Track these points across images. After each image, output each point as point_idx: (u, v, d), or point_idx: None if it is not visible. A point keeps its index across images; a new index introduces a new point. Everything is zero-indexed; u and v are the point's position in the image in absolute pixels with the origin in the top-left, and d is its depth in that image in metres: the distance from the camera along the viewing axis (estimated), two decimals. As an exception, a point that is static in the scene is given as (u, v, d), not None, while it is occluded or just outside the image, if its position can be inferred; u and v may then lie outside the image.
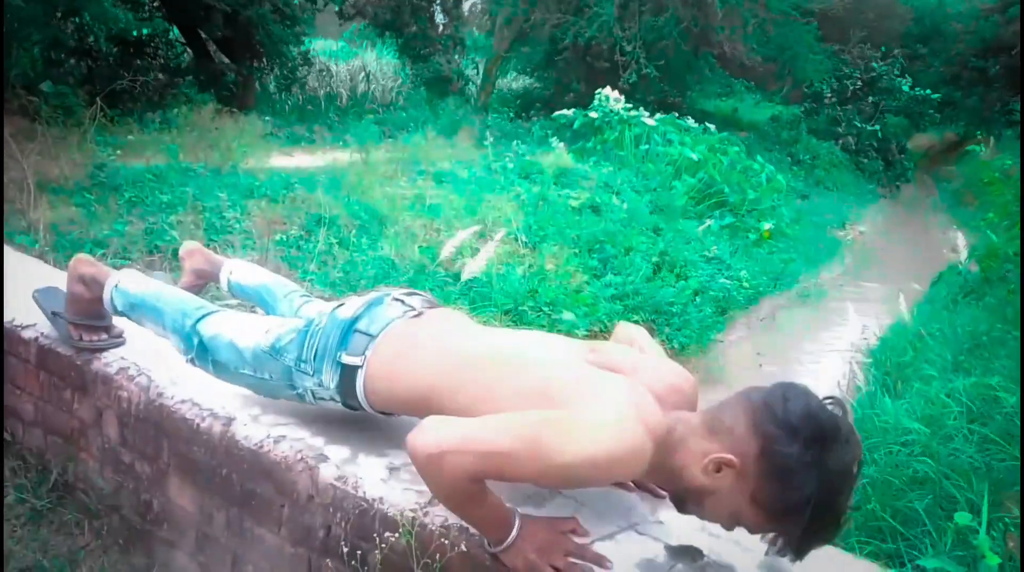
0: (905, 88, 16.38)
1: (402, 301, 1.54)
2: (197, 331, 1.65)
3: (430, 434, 1.18)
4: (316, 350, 1.48)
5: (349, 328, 1.48)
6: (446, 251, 5.34)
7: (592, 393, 1.22)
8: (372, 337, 1.46)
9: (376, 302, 1.53)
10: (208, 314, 1.68)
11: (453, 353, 1.40)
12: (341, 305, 1.56)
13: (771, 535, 1.20)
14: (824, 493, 1.10)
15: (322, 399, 1.52)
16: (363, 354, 1.44)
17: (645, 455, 1.18)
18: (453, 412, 1.30)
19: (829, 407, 1.14)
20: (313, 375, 1.49)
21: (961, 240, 6.79)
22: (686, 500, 1.25)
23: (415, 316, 1.51)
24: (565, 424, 1.16)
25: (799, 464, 1.10)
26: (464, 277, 5.29)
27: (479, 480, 1.18)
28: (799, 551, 1.17)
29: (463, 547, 1.31)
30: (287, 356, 1.52)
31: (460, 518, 1.29)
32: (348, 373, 1.45)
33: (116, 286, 1.80)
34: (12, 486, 2.09)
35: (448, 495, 1.22)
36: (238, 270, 2.03)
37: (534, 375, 1.29)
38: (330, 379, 1.47)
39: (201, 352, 1.65)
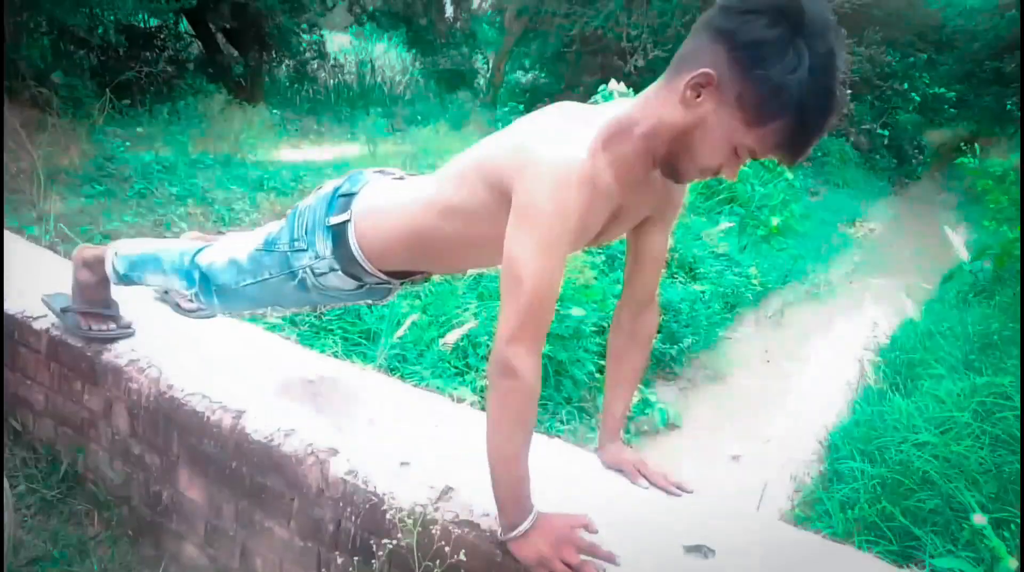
0: (918, 93, 16.25)
1: (382, 171, 1.58)
2: (196, 264, 1.67)
3: (492, 354, 1.18)
4: (306, 225, 1.50)
5: (333, 196, 1.50)
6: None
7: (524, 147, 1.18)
8: (354, 194, 1.48)
9: (356, 172, 1.56)
10: (204, 248, 1.72)
11: (428, 178, 1.45)
12: (322, 185, 1.59)
13: (774, 150, 1.12)
14: (810, 66, 1.03)
15: (322, 274, 1.51)
16: (348, 209, 1.46)
17: (589, 172, 1.14)
18: (438, 224, 1.34)
19: None
20: (308, 249, 1.50)
21: (959, 238, 6.72)
22: (677, 156, 1.17)
23: (396, 179, 1.55)
24: (522, 222, 1.14)
25: (772, 44, 1.03)
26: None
27: (537, 352, 1.16)
28: (802, 145, 1.11)
29: (474, 542, 1.31)
30: (280, 243, 1.54)
31: (498, 474, 1.22)
32: (339, 233, 1.46)
33: (116, 253, 1.84)
34: (22, 476, 2.10)
35: (516, 406, 1.18)
36: (237, 235, 2.04)
37: (487, 155, 1.29)
38: (324, 247, 1.48)
39: (204, 283, 1.67)
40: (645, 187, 1.28)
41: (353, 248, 1.46)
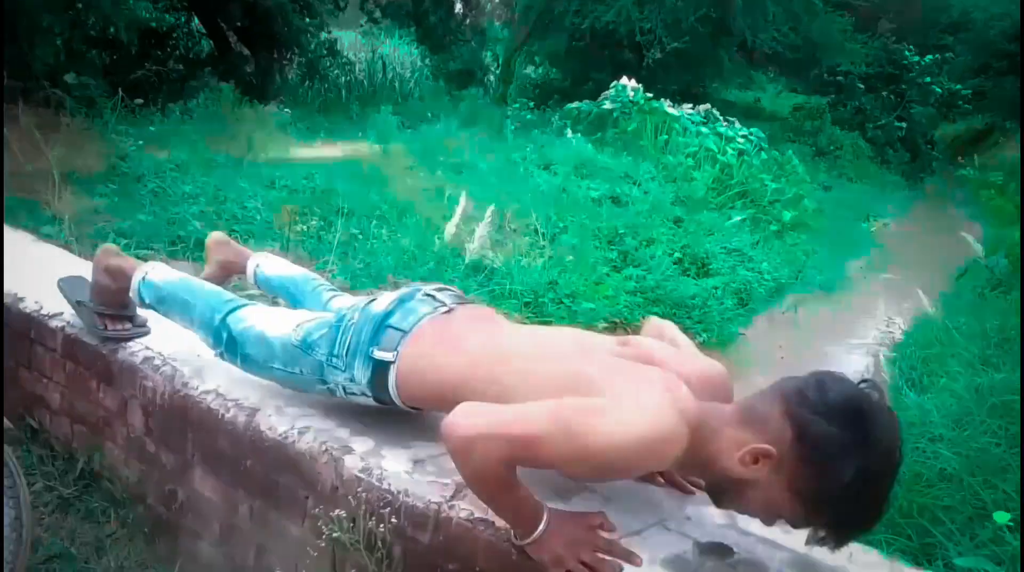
0: (937, 90, 16.07)
1: (433, 296, 1.54)
2: (227, 325, 1.66)
3: (465, 418, 1.18)
4: (348, 346, 1.48)
5: (381, 323, 1.47)
6: (473, 247, 5.37)
7: (625, 381, 1.21)
8: (404, 332, 1.45)
9: (407, 297, 1.53)
10: (237, 307, 1.69)
11: (484, 348, 1.40)
12: (373, 300, 1.55)
13: (812, 528, 1.17)
14: (865, 478, 1.07)
15: (353, 394, 1.52)
16: (395, 349, 1.44)
17: (680, 442, 1.16)
18: (485, 397, 1.30)
19: (865, 389, 1.11)
20: (345, 370, 1.49)
21: (974, 234, 6.67)
22: (723, 493, 1.23)
23: (446, 312, 1.51)
24: (599, 409, 1.15)
25: (836, 448, 1.07)
26: (468, 257, 5.33)
27: (511, 466, 1.18)
28: (840, 540, 1.15)
29: (488, 540, 1.30)
30: (318, 351, 1.52)
31: (489, 508, 1.27)
32: (380, 368, 1.45)
33: (144, 279, 1.81)
34: (40, 474, 2.12)
35: (480, 481, 1.21)
36: (265, 262, 2.03)
37: (565, 367, 1.28)
38: (362, 374, 1.47)
39: (230, 346, 1.66)
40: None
41: (391, 389, 1.45)
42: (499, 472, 1.17)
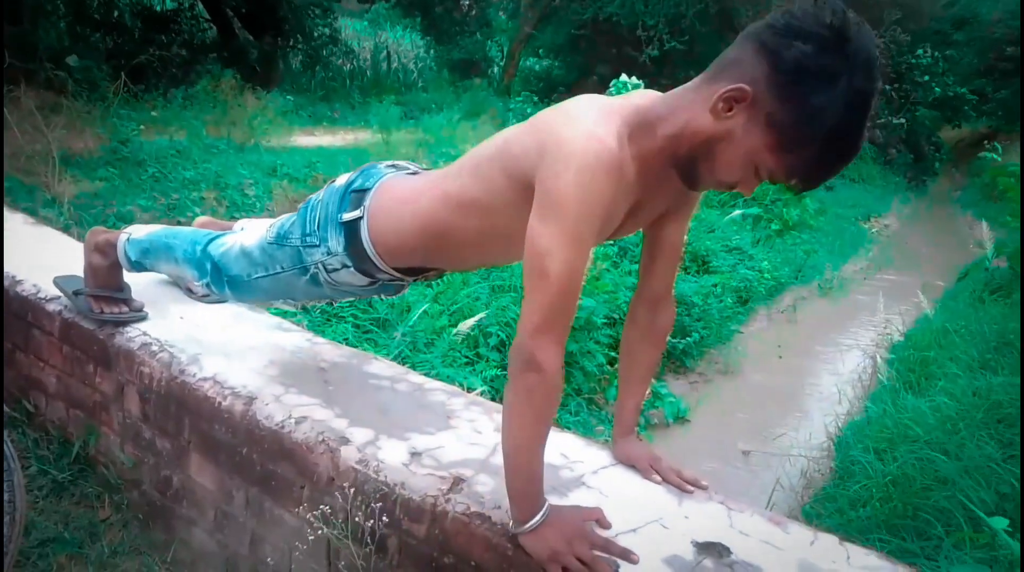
0: (937, 89, 16.02)
1: (395, 165, 1.56)
2: (208, 254, 1.67)
3: (514, 346, 1.15)
4: (318, 221, 1.49)
5: (345, 191, 1.48)
6: None
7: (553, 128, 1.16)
8: (368, 190, 1.46)
9: (370, 166, 1.55)
10: (216, 237, 1.71)
11: (442, 172, 1.43)
12: (335, 179, 1.57)
13: (791, 177, 1.10)
14: (849, 94, 1.01)
15: (335, 270, 1.50)
16: (361, 205, 1.45)
17: (615, 157, 1.11)
18: (453, 219, 1.33)
19: (836, 7, 1.02)
20: (320, 245, 1.49)
21: (987, 233, 6.66)
22: (697, 163, 1.14)
23: (410, 174, 1.53)
24: (546, 211, 1.11)
25: (815, 66, 1.01)
26: None
27: (561, 345, 1.14)
28: (813, 181, 1.10)
29: (485, 534, 1.29)
30: (292, 238, 1.53)
31: (513, 466, 1.21)
32: (352, 230, 1.45)
33: (128, 238, 1.85)
34: (34, 457, 2.11)
35: (537, 401, 1.15)
36: (248, 223, 2.03)
37: (507, 145, 1.26)
38: (336, 243, 1.46)
39: (215, 274, 1.67)
40: (663, 183, 1.25)
41: (366, 246, 1.44)
42: (555, 386, 1.14)
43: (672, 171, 1.20)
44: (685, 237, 1.44)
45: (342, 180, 1.52)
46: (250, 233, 1.65)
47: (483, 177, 1.29)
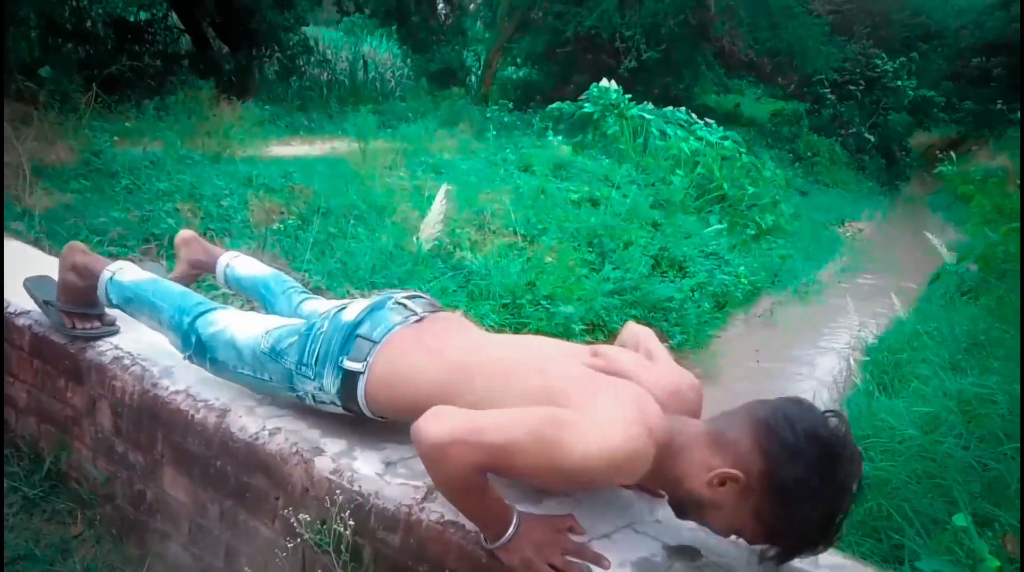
0: (910, 92, 16.32)
1: (404, 305, 1.53)
2: (195, 329, 1.64)
3: (438, 422, 1.17)
4: (318, 355, 1.47)
5: (351, 333, 1.47)
6: (425, 229, 5.35)
7: (595, 396, 1.22)
8: (374, 342, 1.45)
9: (378, 306, 1.52)
10: (206, 311, 1.67)
11: (456, 360, 1.39)
12: (343, 308, 1.54)
13: (766, 546, 1.21)
14: (825, 510, 1.13)
15: (322, 402, 1.52)
16: (365, 360, 1.43)
17: (648, 458, 1.18)
18: (462, 404, 1.29)
19: (831, 422, 1.15)
20: (314, 379, 1.48)
21: (947, 239, 6.79)
22: (687, 508, 1.25)
23: (417, 321, 1.50)
24: (570, 422, 1.16)
25: (803, 486, 1.12)
26: (423, 237, 5.32)
27: (483, 472, 1.18)
28: (788, 559, 1.21)
29: (459, 543, 1.30)
30: (287, 359, 1.51)
31: (459, 511, 1.28)
32: (350, 378, 1.44)
33: (111, 279, 1.79)
34: (4, 474, 2.08)
35: (451, 485, 1.21)
36: (235, 262, 2.01)
37: (537, 380, 1.28)
38: (331, 384, 1.46)
39: (199, 350, 1.64)
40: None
41: (359, 399, 1.45)
42: (471, 477, 1.17)
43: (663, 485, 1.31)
44: None
45: (350, 316, 1.49)
46: (242, 325, 1.62)
47: (492, 394, 1.30)
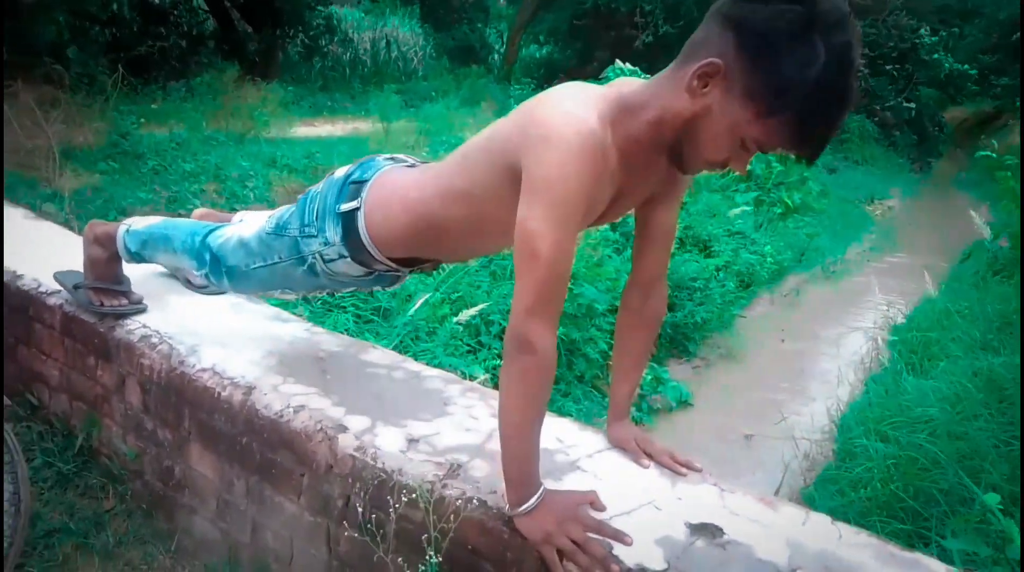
0: (946, 65, 15.87)
1: (393, 158, 1.57)
2: (207, 245, 1.69)
3: (508, 329, 1.16)
4: (316, 211, 1.51)
5: (344, 183, 1.50)
6: None
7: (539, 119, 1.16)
8: (366, 181, 1.48)
9: (368, 159, 1.56)
10: (215, 228, 1.73)
11: (436, 164, 1.45)
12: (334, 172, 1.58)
13: (783, 144, 1.09)
14: (823, 53, 0.99)
15: (331, 261, 1.52)
16: (359, 197, 1.46)
17: (596, 138, 1.12)
18: (444, 210, 1.35)
19: None
20: (317, 235, 1.51)
21: (980, 217, 6.63)
22: (683, 146, 1.15)
23: (408, 166, 1.55)
24: (533, 194, 1.12)
25: (783, 30, 0.99)
26: None
27: (554, 326, 1.15)
28: (815, 145, 1.08)
29: (481, 519, 1.31)
30: (290, 228, 1.55)
31: (509, 447, 1.22)
32: (349, 221, 1.47)
33: (127, 230, 1.86)
34: (39, 449, 2.14)
35: (532, 381, 1.17)
36: (247, 215, 2.04)
37: (493, 134, 1.28)
38: (334, 233, 1.48)
39: (214, 264, 1.68)
40: (649, 169, 1.26)
41: (362, 236, 1.46)
42: (548, 366, 1.16)
43: (656, 156, 1.21)
44: (676, 220, 1.45)
45: (341, 172, 1.53)
46: (249, 224, 1.67)
47: (470, 168, 1.31)
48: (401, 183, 1.46)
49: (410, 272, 1.61)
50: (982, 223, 6.38)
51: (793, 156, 1.11)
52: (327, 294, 3.44)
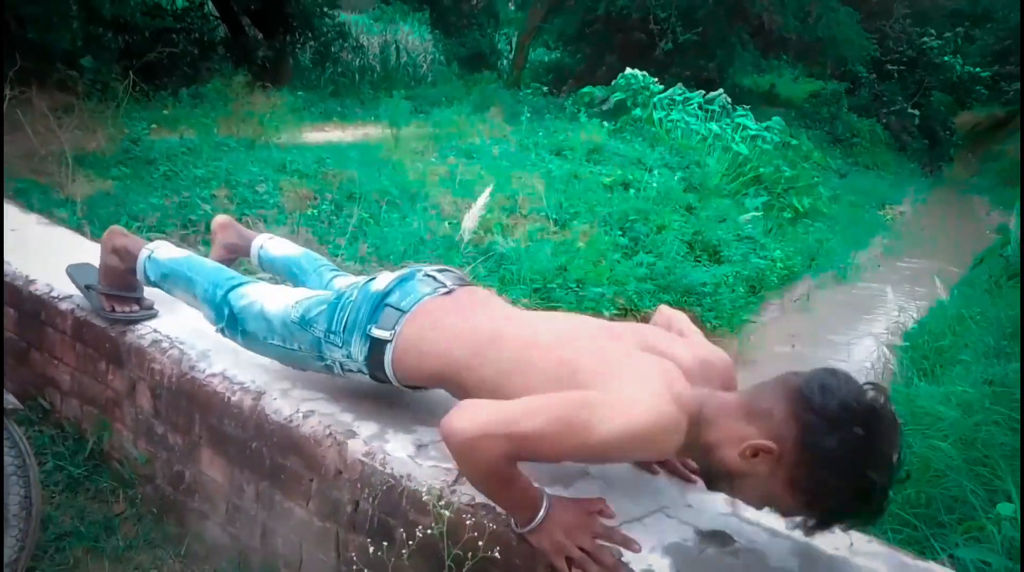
0: (957, 68, 15.79)
1: (434, 277, 1.54)
2: (228, 301, 1.67)
3: (466, 417, 1.18)
4: (346, 323, 1.49)
5: (380, 302, 1.48)
6: (467, 222, 5.31)
7: (621, 371, 1.21)
8: (403, 312, 1.46)
9: (408, 277, 1.53)
10: (239, 284, 1.70)
11: (483, 330, 1.39)
12: (373, 279, 1.56)
13: (801, 518, 1.18)
14: (863, 482, 1.08)
15: (350, 371, 1.53)
16: (393, 329, 1.44)
17: (678, 429, 1.17)
18: (479, 388, 1.31)
19: (870, 394, 1.11)
20: (342, 347, 1.50)
21: (989, 222, 6.58)
22: (719, 479, 1.23)
23: (446, 292, 1.51)
24: (599, 403, 1.16)
25: (839, 457, 1.08)
26: (464, 234, 5.29)
27: (512, 461, 1.18)
28: (826, 527, 1.17)
29: (490, 525, 1.31)
30: (316, 327, 1.53)
31: (489, 499, 1.28)
32: (377, 347, 1.45)
33: (149, 257, 1.84)
34: (50, 453, 2.15)
35: (481, 478, 1.22)
36: (269, 243, 2.04)
37: (563, 354, 1.28)
38: (359, 352, 1.47)
39: (231, 322, 1.67)
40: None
41: (387, 367, 1.46)
42: (501, 468, 1.18)
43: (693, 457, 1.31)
44: None
45: (379, 285, 1.51)
46: (272, 296, 1.65)
47: (529, 371, 1.29)
48: (441, 333, 1.42)
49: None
50: (999, 227, 6.34)
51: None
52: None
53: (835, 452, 1.08)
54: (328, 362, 1.54)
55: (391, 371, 1.46)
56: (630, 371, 1.21)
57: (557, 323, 1.44)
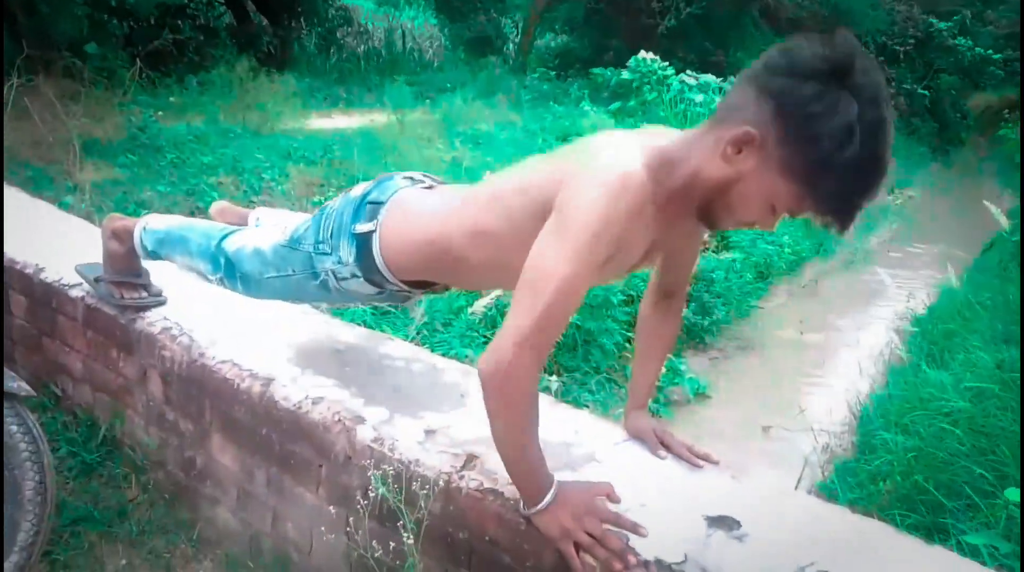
0: (966, 51, 15.60)
1: (412, 178, 1.57)
2: (222, 249, 1.69)
3: (490, 351, 1.15)
4: (332, 229, 1.51)
5: (361, 202, 1.50)
6: None
7: (577, 161, 1.17)
8: (382, 203, 1.48)
9: (386, 178, 1.56)
10: (231, 233, 1.73)
11: (460, 194, 1.44)
12: (351, 189, 1.58)
13: (815, 213, 1.09)
14: (858, 130, 0.99)
15: (344, 279, 1.52)
16: (375, 219, 1.46)
17: (642, 180, 1.11)
18: (467, 246, 1.34)
19: (836, 38, 1.01)
20: (331, 254, 1.51)
21: (1005, 205, 6.52)
22: (713, 206, 1.15)
23: (425, 188, 1.54)
24: (560, 226, 1.12)
25: (820, 105, 1.00)
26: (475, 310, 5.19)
27: (541, 363, 1.15)
28: (845, 215, 1.07)
29: (498, 510, 1.32)
30: (305, 243, 1.55)
31: (507, 466, 1.25)
32: (364, 242, 1.46)
33: (144, 228, 1.88)
34: (64, 440, 2.17)
35: (515, 420, 1.18)
36: (264, 214, 2.06)
37: (530, 176, 1.29)
38: (348, 254, 1.48)
39: (228, 269, 1.69)
40: (682, 223, 1.24)
41: (376, 259, 1.46)
42: (532, 402, 1.17)
43: (689, 211, 1.19)
44: (699, 247, 1.47)
45: (358, 190, 1.52)
46: (264, 232, 1.67)
47: (502, 209, 1.29)
48: (420, 209, 1.44)
49: (422, 293, 1.61)
50: (998, 213, 6.29)
51: (822, 223, 1.09)
52: (337, 308, 3.44)
53: (818, 107, 1.00)
54: (322, 277, 1.53)
55: (382, 263, 1.46)
56: (583, 157, 1.18)
57: (526, 165, 1.42)
